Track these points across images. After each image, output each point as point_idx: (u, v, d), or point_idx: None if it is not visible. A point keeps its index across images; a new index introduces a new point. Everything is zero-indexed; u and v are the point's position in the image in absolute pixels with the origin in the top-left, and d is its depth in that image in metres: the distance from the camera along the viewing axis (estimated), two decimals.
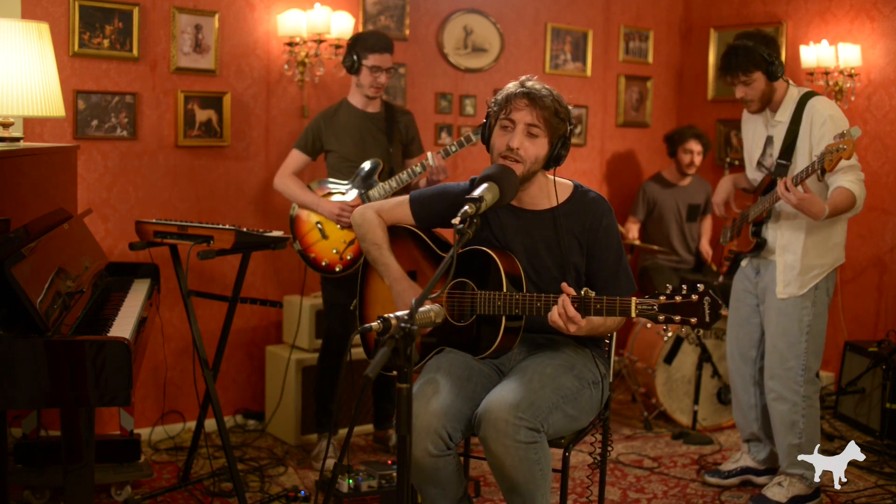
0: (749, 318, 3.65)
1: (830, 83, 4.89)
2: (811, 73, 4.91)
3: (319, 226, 3.81)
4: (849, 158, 3.11)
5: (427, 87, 4.86)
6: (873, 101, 4.90)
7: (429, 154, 3.76)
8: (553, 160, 2.56)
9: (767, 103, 3.47)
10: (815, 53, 4.88)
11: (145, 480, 3.59)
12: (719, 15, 5.60)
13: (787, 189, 3.20)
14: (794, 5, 5.22)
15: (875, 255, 4.94)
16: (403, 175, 3.78)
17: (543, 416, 2.37)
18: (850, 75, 4.84)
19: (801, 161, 3.38)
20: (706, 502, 3.61)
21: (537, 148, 2.52)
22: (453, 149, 3.79)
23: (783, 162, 3.41)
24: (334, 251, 3.79)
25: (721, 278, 3.81)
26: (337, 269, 3.79)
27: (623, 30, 5.52)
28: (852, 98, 4.90)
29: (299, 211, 3.87)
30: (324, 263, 3.81)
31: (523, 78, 2.58)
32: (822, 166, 3.12)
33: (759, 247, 3.54)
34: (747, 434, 3.77)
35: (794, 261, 3.43)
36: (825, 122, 3.30)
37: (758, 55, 3.36)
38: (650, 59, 5.66)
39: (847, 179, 3.26)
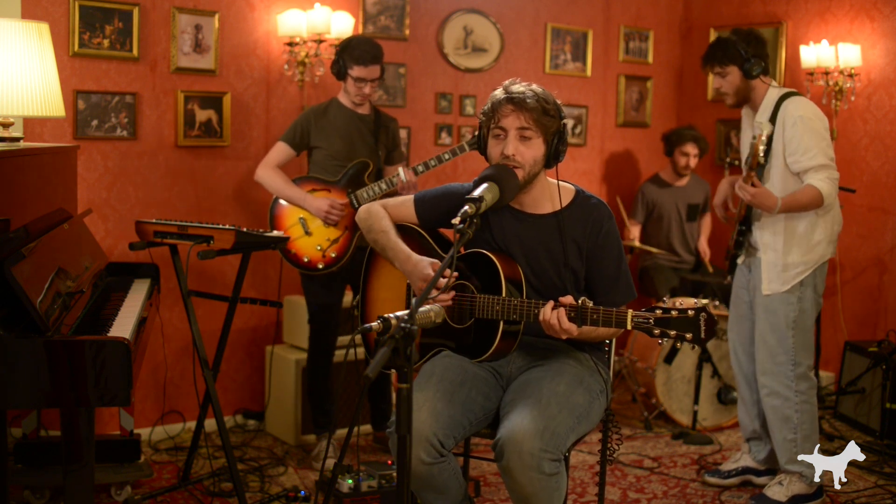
0: (747, 315, 3.68)
1: (830, 83, 4.89)
2: (811, 73, 4.91)
3: (302, 221, 3.78)
4: (758, 153, 3.28)
5: (427, 87, 4.86)
6: (873, 101, 4.90)
7: (400, 169, 3.75)
8: (552, 158, 2.55)
9: (745, 100, 3.54)
10: (815, 53, 4.88)
11: (145, 480, 3.59)
12: (719, 15, 5.60)
13: (740, 187, 3.38)
14: (794, 5, 5.22)
15: (875, 255, 4.94)
16: (394, 178, 3.76)
17: (563, 443, 2.37)
18: (850, 75, 4.83)
19: (775, 162, 3.44)
20: (706, 502, 3.61)
21: (533, 150, 2.51)
22: (432, 163, 3.77)
23: (762, 163, 3.47)
24: (318, 248, 3.76)
25: (729, 278, 3.84)
26: (319, 267, 3.76)
27: (623, 30, 5.52)
28: (852, 98, 4.90)
29: (280, 204, 3.83)
30: (305, 260, 3.77)
31: (507, 83, 2.56)
32: (749, 163, 3.30)
33: (739, 245, 3.63)
34: (749, 431, 3.77)
35: (776, 258, 3.48)
36: (795, 122, 3.36)
37: (734, 50, 3.44)
38: (650, 59, 5.66)
39: (818, 178, 3.35)
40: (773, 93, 3.48)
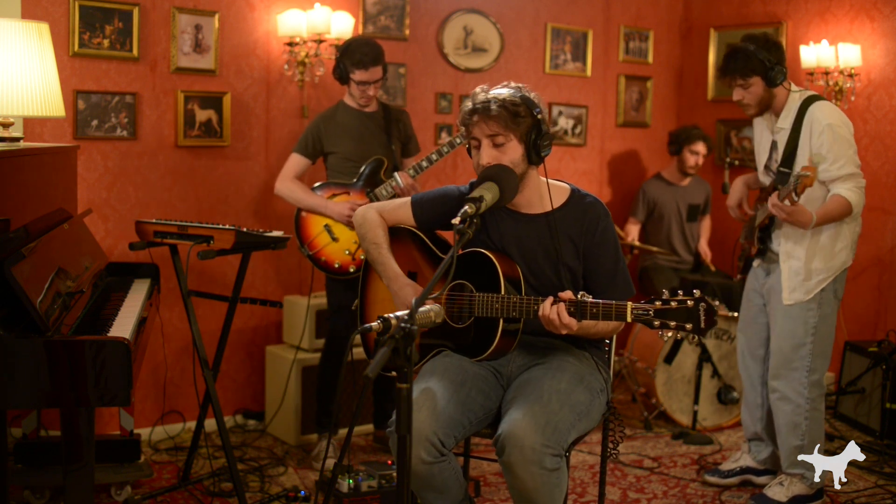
0: (756, 318, 3.65)
1: (830, 83, 4.89)
2: (811, 73, 4.91)
3: (328, 228, 3.80)
4: (811, 185, 3.18)
5: (427, 87, 4.86)
6: (873, 101, 4.90)
7: (396, 174, 3.77)
8: (535, 154, 2.51)
9: (766, 108, 3.47)
10: (815, 53, 4.88)
11: (145, 480, 3.59)
12: (719, 15, 5.60)
13: (775, 205, 3.28)
14: (794, 5, 5.21)
15: (875, 255, 4.94)
16: (410, 171, 3.78)
17: (564, 439, 2.37)
18: (850, 75, 4.83)
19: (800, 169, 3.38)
20: (706, 502, 3.61)
21: (509, 154, 2.50)
22: (432, 158, 3.77)
23: (785, 170, 3.42)
24: (346, 252, 3.78)
25: (738, 276, 3.82)
26: (351, 270, 3.78)
27: (623, 30, 5.52)
28: (852, 98, 4.89)
29: (304, 215, 3.85)
30: (336, 265, 3.79)
31: (476, 90, 2.55)
32: (796, 190, 3.18)
33: (762, 252, 3.59)
34: (751, 433, 3.76)
35: (798, 267, 3.43)
36: (823, 130, 3.29)
37: (756, 60, 3.34)
38: (650, 59, 5.65)
39: (846, 187, 3.30)
40: (795, 97, 3.41)
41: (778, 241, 3.50)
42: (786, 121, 3.42)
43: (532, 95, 2.53)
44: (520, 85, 2.56)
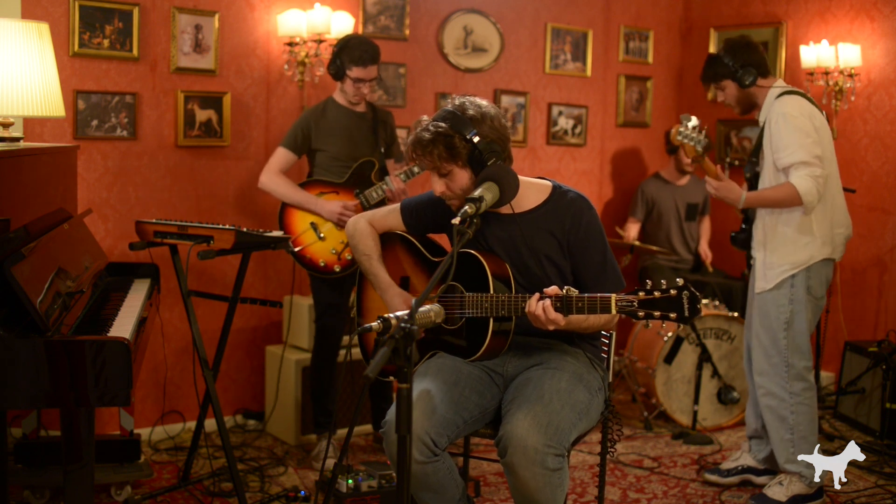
0: None
1: (830, 83, 4.89)
2: (811, 73, 4.91)
3: (314, 226, 3.79)
4: (682, 149, 3.44)
5: (427, 87, 4.86)
6: (873, 101, 4.90)
7: (387, 178, 3.77)
8: (482, 167, 2.47)
9: (752, 106, 3.59)
10: (815, 53, 4.88)
11: (145, 480, 3.59)
12: (719, 15, 5.60)
13: (707, 182, 3.51)
14: (794, 5, 5.22)
15: (875, 255, 4.94)
16: (402, 176, 3.78)
17: (566, 438, 2.38)
18: (850, 75, 4.84)
19: (766, 161, 3.48)
20: (706, 502, 3.61)
21: (458, 180, 2.51)
22: (416, 171, 3.79)
23: (753, 160, 3.54)
24: (332, 251, 3.77)
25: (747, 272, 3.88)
26: (336, 270, 3.77)
27: (623, 30, 5.52)
28: (852, 98, 4.90)
29: (289, 211, 3.83)
30: (321, 264, 3.78)
31: (416, 123, 2.54)
32: (693, 157, 3.55)
33: (734, 241, 3.67)
34: (751, 429, 3.77)
35: (764, 256, 3.51)
36: (777, 120, 3.39)
37: (722, 65, 3.51)
38: (650, 59, 5.66)
39: (797, 175, 3.34)
40: (773, 93, 3.50)
41: (754, 232, 3.58)
42: (763, 116, 3.52)
43: (470, 114, 2.47)
44: (463, 100, 2.51)
